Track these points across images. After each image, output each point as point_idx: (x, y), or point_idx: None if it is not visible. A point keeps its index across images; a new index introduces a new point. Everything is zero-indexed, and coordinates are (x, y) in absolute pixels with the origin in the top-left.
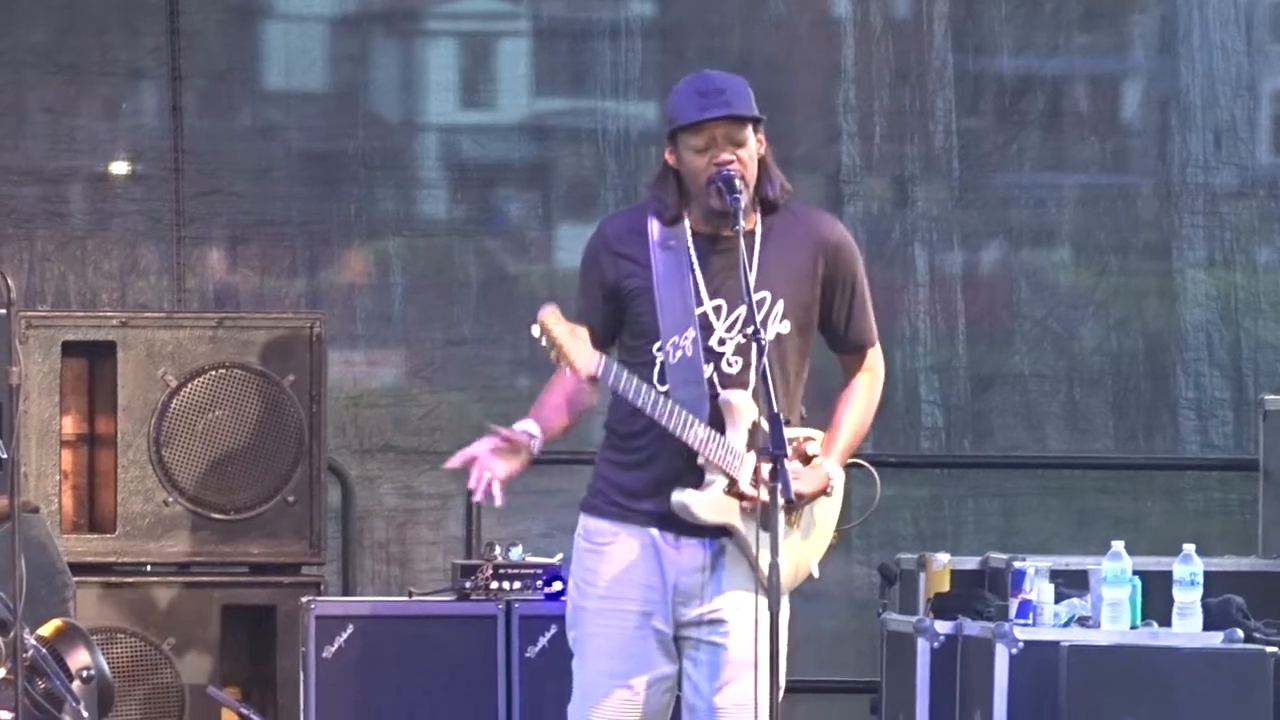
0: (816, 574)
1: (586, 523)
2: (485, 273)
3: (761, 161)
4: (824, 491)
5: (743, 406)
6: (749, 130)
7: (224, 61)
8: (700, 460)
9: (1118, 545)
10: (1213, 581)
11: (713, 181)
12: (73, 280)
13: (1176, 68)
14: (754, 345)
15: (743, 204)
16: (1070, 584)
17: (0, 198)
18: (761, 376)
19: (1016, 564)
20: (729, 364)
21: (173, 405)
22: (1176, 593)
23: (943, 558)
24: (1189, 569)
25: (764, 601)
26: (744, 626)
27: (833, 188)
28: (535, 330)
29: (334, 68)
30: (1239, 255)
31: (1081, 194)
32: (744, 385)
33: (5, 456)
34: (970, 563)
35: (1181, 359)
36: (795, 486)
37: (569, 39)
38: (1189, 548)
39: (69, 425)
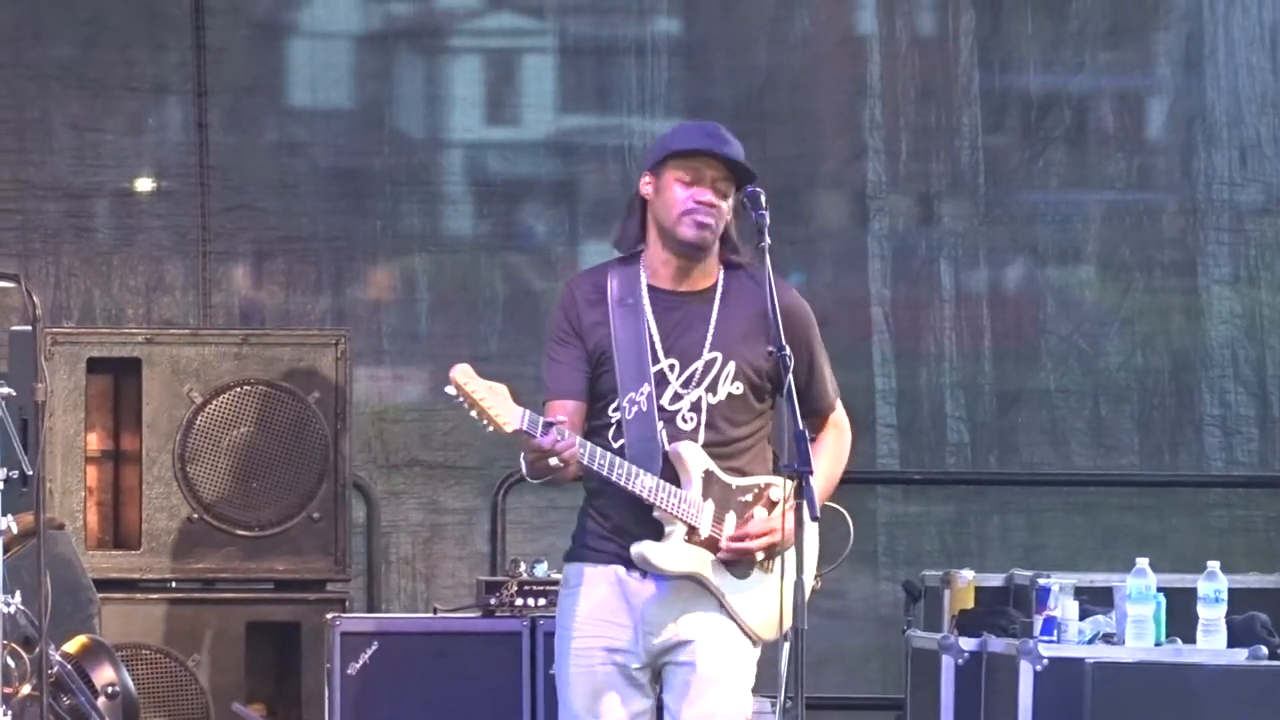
0: (805, 626)
1: (565, 570)
2: (511, 289)
3: (727, 227)
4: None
5: (691, 457)
6: (732, 188)
7: (249, 77)
8: (655, 513)
9: (1142, 562)
10: (1237, 598)
11: (688, 213)
12: (98, 296)
13: (1202, 85)
14: (725, 404)
15: (766, 221)
16: (1095, 601)
17: (26, 213)
18: (787, 394)
19: (1041, 581)
20: (684, 420)
21: (198, 422)
22: (1201, 609)
23: (967, 574)
24: (1213, 586)
25: (730, 625)
26: (711, 644)
27: (858, 205)
28: (450, 390)
29: (359, 84)
30: (1264, 272)
31: (1107, 211)
32: (694, 440)
33: (30, 472)
34: (995, 579)
35: (1206, 376)
36: (764, 525)
37: (594, 55)
38: (1213, 564)
39: (94, 441)
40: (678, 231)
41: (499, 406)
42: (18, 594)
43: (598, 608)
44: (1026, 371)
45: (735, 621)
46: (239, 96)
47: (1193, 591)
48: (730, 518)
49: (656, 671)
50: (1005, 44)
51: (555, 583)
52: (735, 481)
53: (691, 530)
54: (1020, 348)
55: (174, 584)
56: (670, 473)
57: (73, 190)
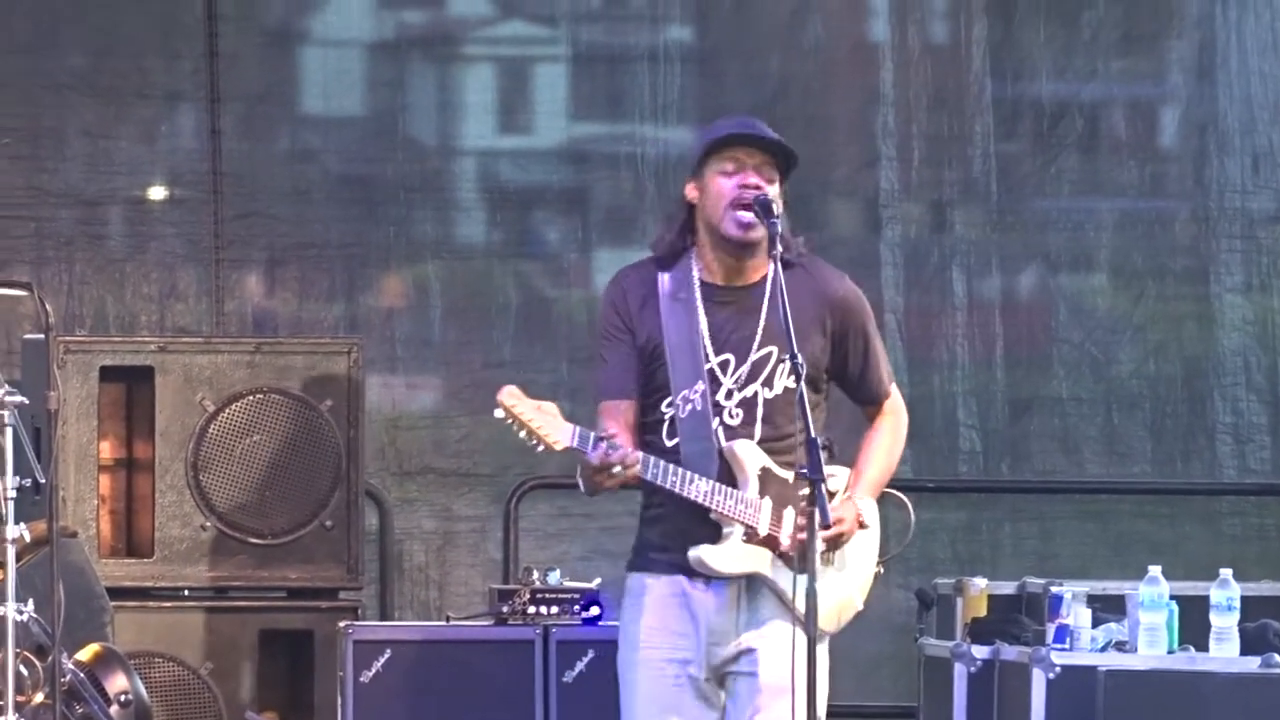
0: (861, 607)
1: (627, 579)
2: (523, 296)
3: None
4: (858, 524)
5: (747, 455)
6: (777, 176)
7: (262, 85)
8: (712, 515)
9: (1155, 570)
10: (1250, 606)
11: (735, 205)
12: (111, 303)
13: (1214, 93)
14: (776, 401)
15: (779, 229)
16: (1107, 608)
17: (39, 221)
18: (799, 402)
19: (1054, 588)
20: (731, 415)
21: (210, 430)
22: (1213, 617)
23: (980, 582)
24: (1226, 594)
25: (799, 631)
26: (775, 654)
27: (871, 212)
28: (498, 413)
29: (372, 91)
30: (1276, 280)
31: (1119, 218)
32: (749, 437)
33: (44, 481)
34: (1007, 587)
35: (1219, 384)
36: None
37: (607, 63)
38: (1226, 572)
39: (107, 450)
40: (723, 227)
41: (548, 425)
42: (31, 602)
43: (662, 619)
44: (1039, 379)
45: (798, 619)
46: (252, 104)
47: (1205, 599)
48: (789, 514)
49: (721, 680)
50: (1018, 52)
51: (568, 591)
52: (793, 476)
53: (750, 530)
54: (1032, 355)
55: (187, 592)
56: (726, 470)
57: (86, 198)
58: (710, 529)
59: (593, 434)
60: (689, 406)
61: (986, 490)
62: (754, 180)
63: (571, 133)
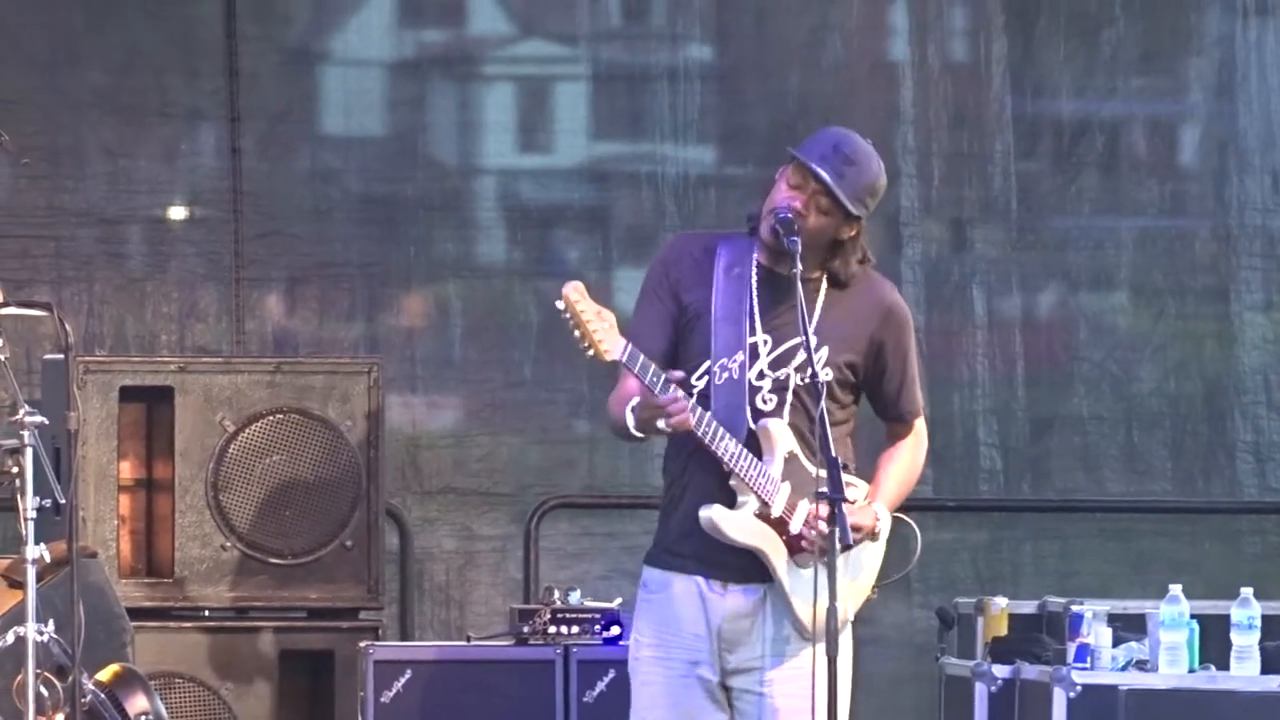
0: (851, 619)
1: (644, 572)
2: (543, 315)
3: (845, 244)
4: (873, 531)
5: (779, 435)
6: (840, 213)
7: (282, 104)
8: (732, 481)
9: (1175, 589)
10: (1271, 625)
11: (773, 212)
12: (131, 323)
13: (1234, 110)
14: (810, 388)
15: (798, 249)
16: (1128, 627)
17: (59, 240)
18: (820, 422)
19: (1074, 608)
20: (764, 400)
21: (230, 450)
22: (1234, 636)
23: (1001, 601)
24: (1247, 612)
25: (807, 649)
26: (785, 674)
27: (891, 230)
28: (559, 305)
29: (392, 111)
30: None
31: (1139, 237)
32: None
33: (63, 501)
34: (1028, 606)
35: (1239, 402)
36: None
37: (627, 82)
38: (1247, 591)
39: (126, 470)
40: (762, 226)
41: (603, 332)
42: (51, 623)
43: (677, 617)
44: (1059, 397)
45: (789, 611)
46: (272, 123)
47: (1226, 618)
48: (803, 505)
49: (726, 689)
50: (1038, 70)
51: (589, 611)
52: (816, 472)
53: (764, 506)
54: (1053, 373)
55: (207, 612)
56: (754, 445)
57: (106, 217)
58: (724, 498)
59: (658, 370)
60: (725, 375)
61: (1007, 509)
62: (797, 204)
63: (592, 151)
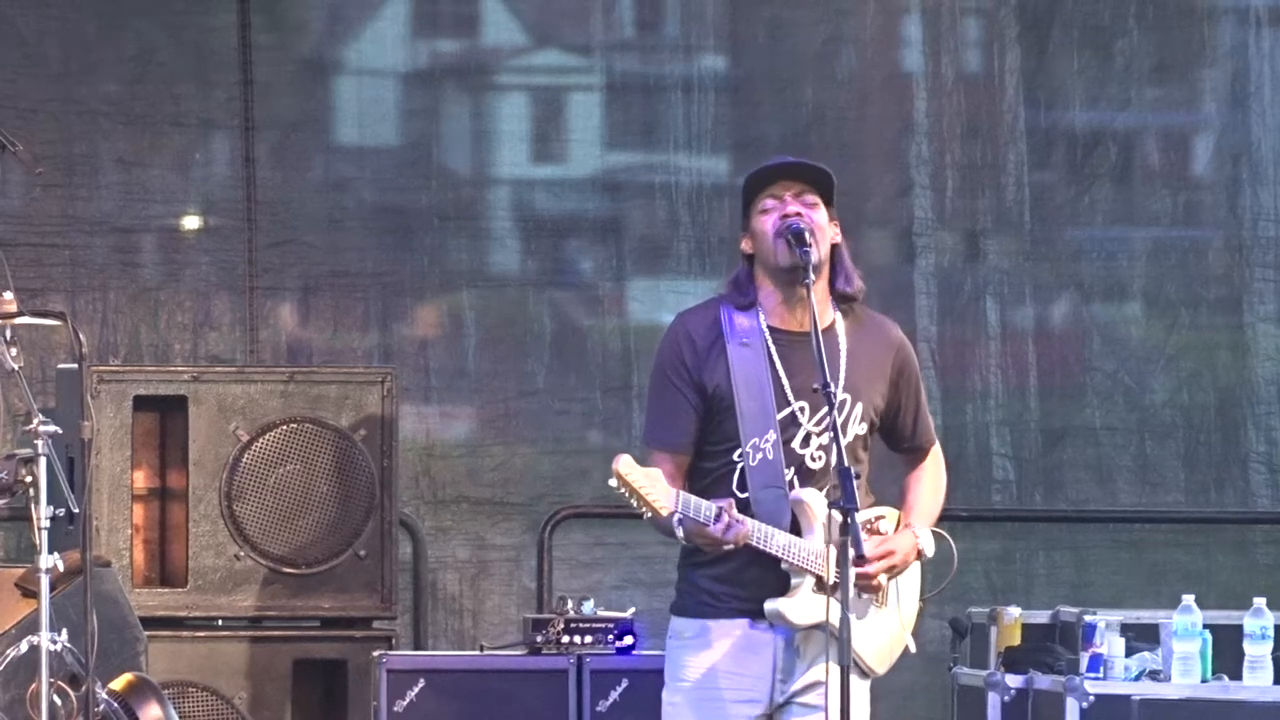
0: (914, 648)
1: (675, 624)
2: (558, 325)
3: (836, 250)
4: (915, 554)
5: (815, 504)
6: (819, 200)
7: (296, 113)
8: (784, 565)
9: (1188, 599)
10: None
11: (780, 234)
12: (145, 332)
13: (1247, 121)
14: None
15: (813, 259)
16: (1141, 637)
17: (73, 249)
18: (833, 430)
19: (1087, 618)
20: (813, 459)
21: (244, 459)
22: (1247, 646)
23: (1014, 611)
24: (1260, 623)
25: (860, 677)
26: (835, 690)
27: (905, 241)
28: (613, 482)
29: (406, 121)
30: None
31: (1153, 247)
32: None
33: (77, 510)
34: (1041, 616)
35: (1252, 412)
36: (881, 548)
37: (641, 92)
38: (1260, 601)
39: (140, 479)
40: (776, 259)
41: (656, 492)
42: (64, 632)
43: (726, 660)
44: (1072, 408)
45: (857, 660)
46: (286, 132)
47: (1239, 628)
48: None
49: (771, 716)
50: (1051, 81)
51: (601, 620)
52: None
53: (819, 580)
54: (1066, 384)
55: (220, 622)
56: (794, 517)
57: (120, 226)
58: (776, 576)
59: (703, 503)
60: (759, 456)
61: (1020, 520)
62: (793, 208)
63: (605, 162)
